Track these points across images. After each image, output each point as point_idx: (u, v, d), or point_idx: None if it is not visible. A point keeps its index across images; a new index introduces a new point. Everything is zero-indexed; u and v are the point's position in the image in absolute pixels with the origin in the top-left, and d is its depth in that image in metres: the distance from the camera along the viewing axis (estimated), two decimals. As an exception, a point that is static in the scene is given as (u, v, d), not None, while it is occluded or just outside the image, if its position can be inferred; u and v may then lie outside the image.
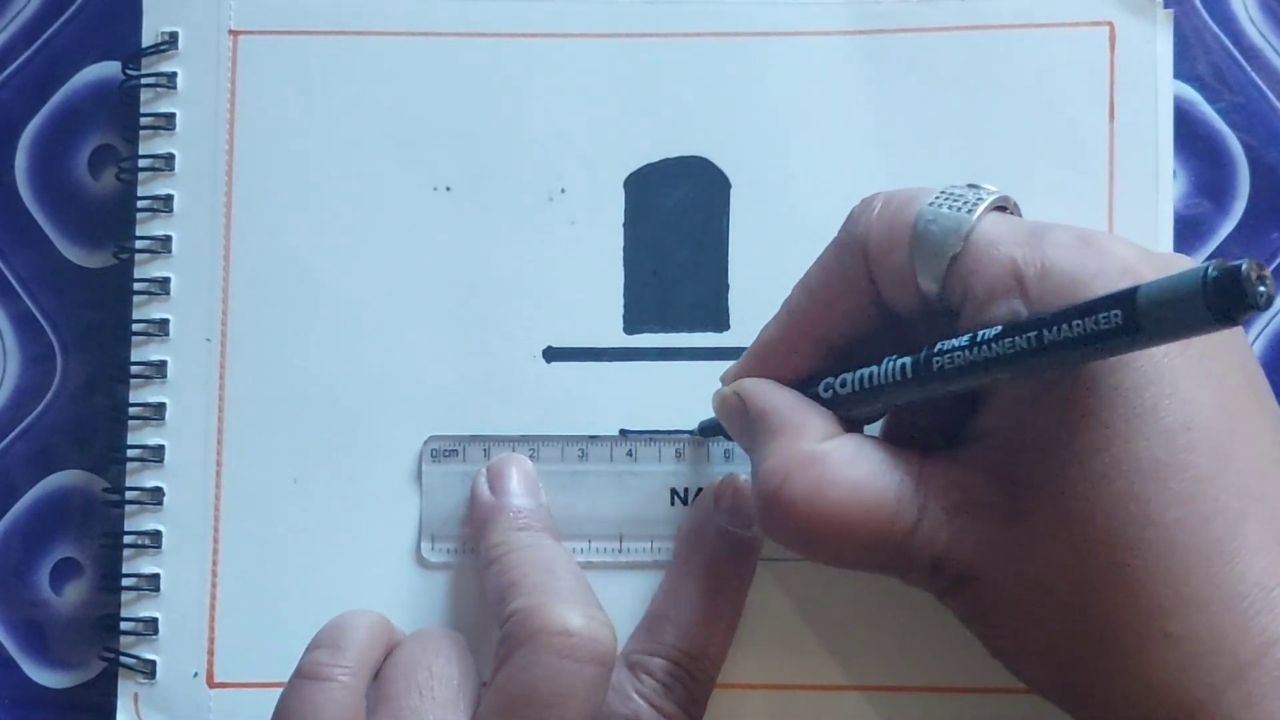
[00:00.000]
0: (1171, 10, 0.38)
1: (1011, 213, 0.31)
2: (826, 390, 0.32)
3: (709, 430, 0.37)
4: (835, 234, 0.32)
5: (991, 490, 0.29)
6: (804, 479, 0.30)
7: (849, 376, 0.31)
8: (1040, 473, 0.28)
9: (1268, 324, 0.39)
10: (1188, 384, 0.27)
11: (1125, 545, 0.27)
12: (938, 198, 0.30)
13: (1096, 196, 0.38)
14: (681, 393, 0.38)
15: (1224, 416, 0.28)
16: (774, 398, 0.32)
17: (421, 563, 0.38)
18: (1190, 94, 0.39)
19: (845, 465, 0.30)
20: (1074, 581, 0.28)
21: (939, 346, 0.29)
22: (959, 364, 0.29)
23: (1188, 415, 0.27)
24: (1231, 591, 0.27)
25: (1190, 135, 0.39)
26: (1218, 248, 0.39)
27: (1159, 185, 0.38)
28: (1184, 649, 0.27)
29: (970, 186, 0.31)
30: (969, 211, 0.30)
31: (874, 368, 0.31)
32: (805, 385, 0.33)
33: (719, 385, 0.35)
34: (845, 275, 0.31)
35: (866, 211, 0.31)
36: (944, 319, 0.30)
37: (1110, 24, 0.38)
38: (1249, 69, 0.39)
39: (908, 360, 0.30)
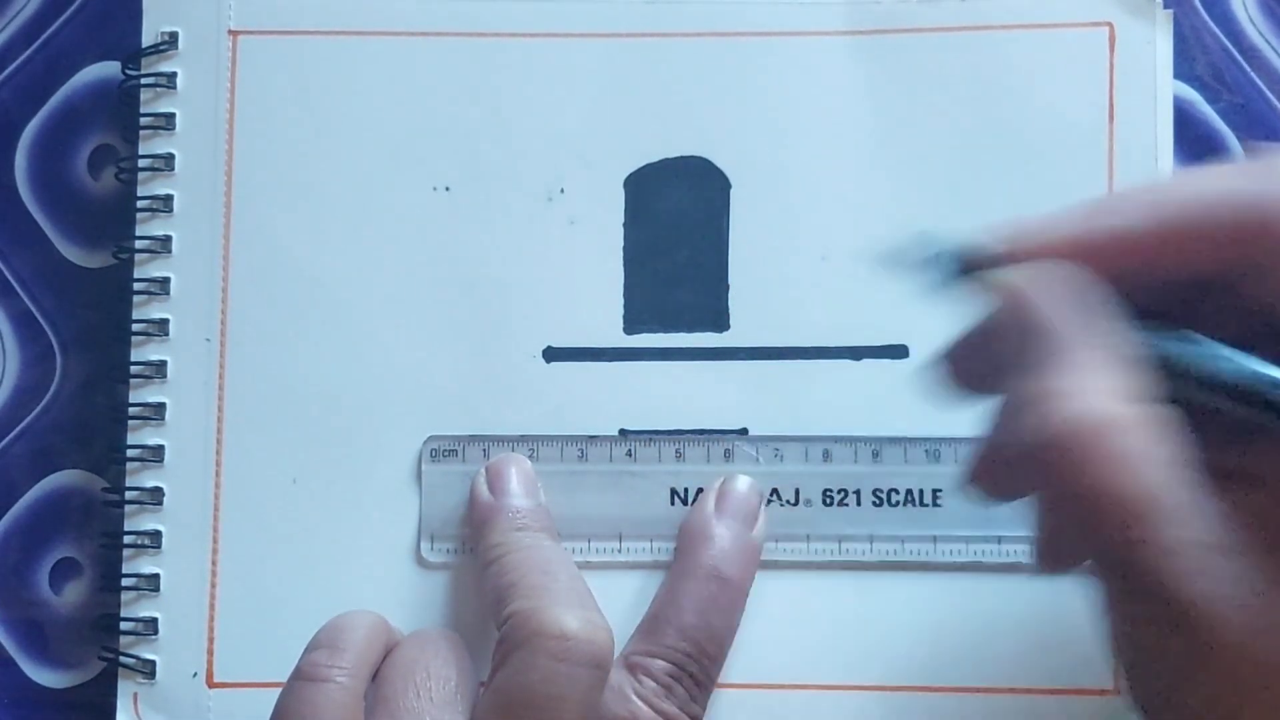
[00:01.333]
0: (1171, 11, 0.38)
1: None
2: (1155, 340, 0.26)
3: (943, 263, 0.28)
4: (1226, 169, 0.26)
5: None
6: (1111, 444, 0.24)
7: (1201, 351, 0.26)
8: None
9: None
10: None
11: None
12: None
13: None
14: (681, 393, 0.38)
15: None
16: (1082, 315, 0.26)
17: (421, 563, 0.38)
18: (1190, 94, 0.39)
19: (1153, 441, 0.24)
20: None
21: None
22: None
23: None
24: None
25: (1190, 135, 0.39)
26: (1217, 248, 0.39)
27: (1159, 185, 0.38)
28: None
29: None
30: None
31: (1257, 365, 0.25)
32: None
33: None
34: (1228, 233, 0.25)
35: None
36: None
37: (1110, 24, 0.38)
38: (1248, 69, 0.39)
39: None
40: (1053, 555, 0.27)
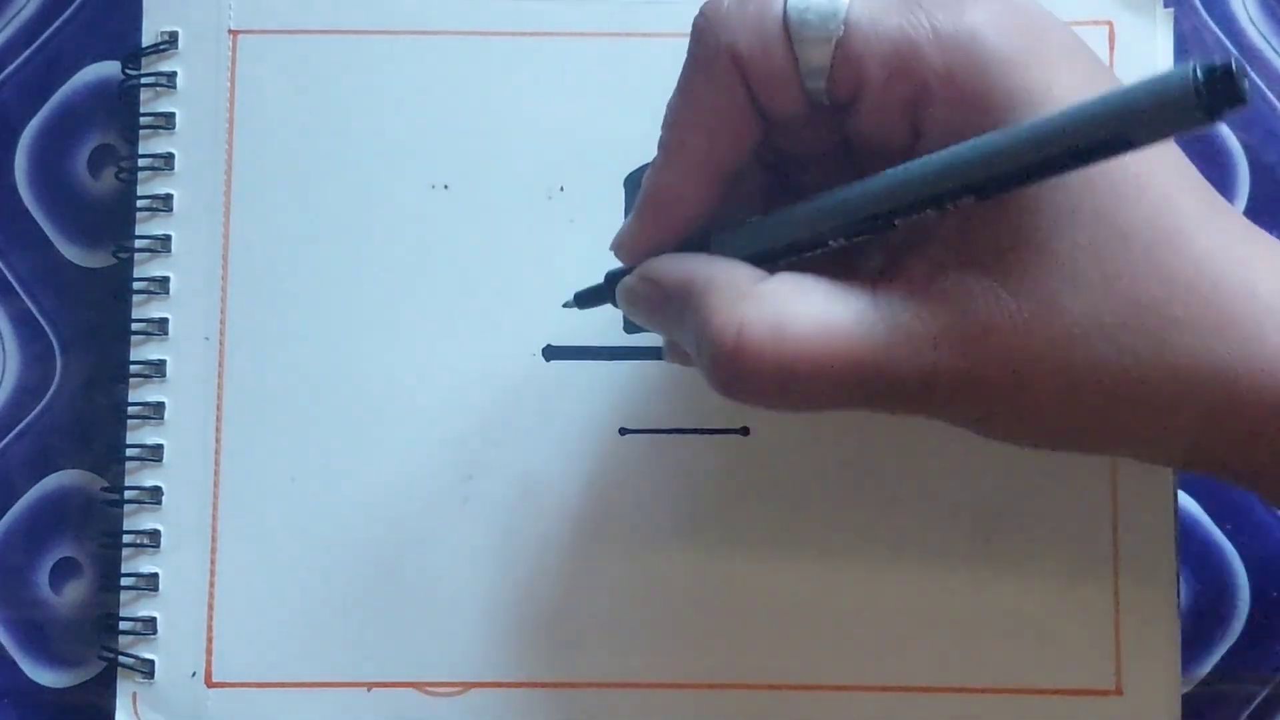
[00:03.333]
0: (1171, 10, 0.38)
1: None
2: (728, 246, 0.30)
3: (587, 299, 0.34)
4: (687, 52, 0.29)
5: (967, 286, 0.27)
6: (761, 321, 0.27)
7: (764, 220, 0.29)
8: (1015, 264, 0.27)
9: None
10: None
11: (1114, 275, 0.27)
12: None
13: (1096, 196, 0.38)
14: (682, 392, 0.38)
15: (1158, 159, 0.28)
16: (688, 264, 0.30)
17: (421, 562, 0.38)
18: (1190, 94, 0.39)
19: (798, 298, 0.28)
20: (1079, 327, 0.27)
21: (890, 174, 0.27)
22: (923, 187, 0.26)
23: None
24: (1204, 258, 0.27)
25: (1189, 135, 0.39)
26: (1218, 247, 0.39)
27: (1159, 185, 0.38)
28: (1190, 327, 0.27)
29: None
30: None
31: (809, 203, 0.29)
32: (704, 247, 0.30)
33: (616, 267, 0.33)
34: (718, 92, 0.29)
35: (724, 15, 0.28)
36: (832, 121, 0.29)
37: (1109, 23, 0.38)
38: (1249, 69, 0.39)
39: (854, 189, 0.28)
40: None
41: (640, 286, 0.31)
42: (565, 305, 0.35)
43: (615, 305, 0.32)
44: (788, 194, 0.30)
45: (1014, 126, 0.25)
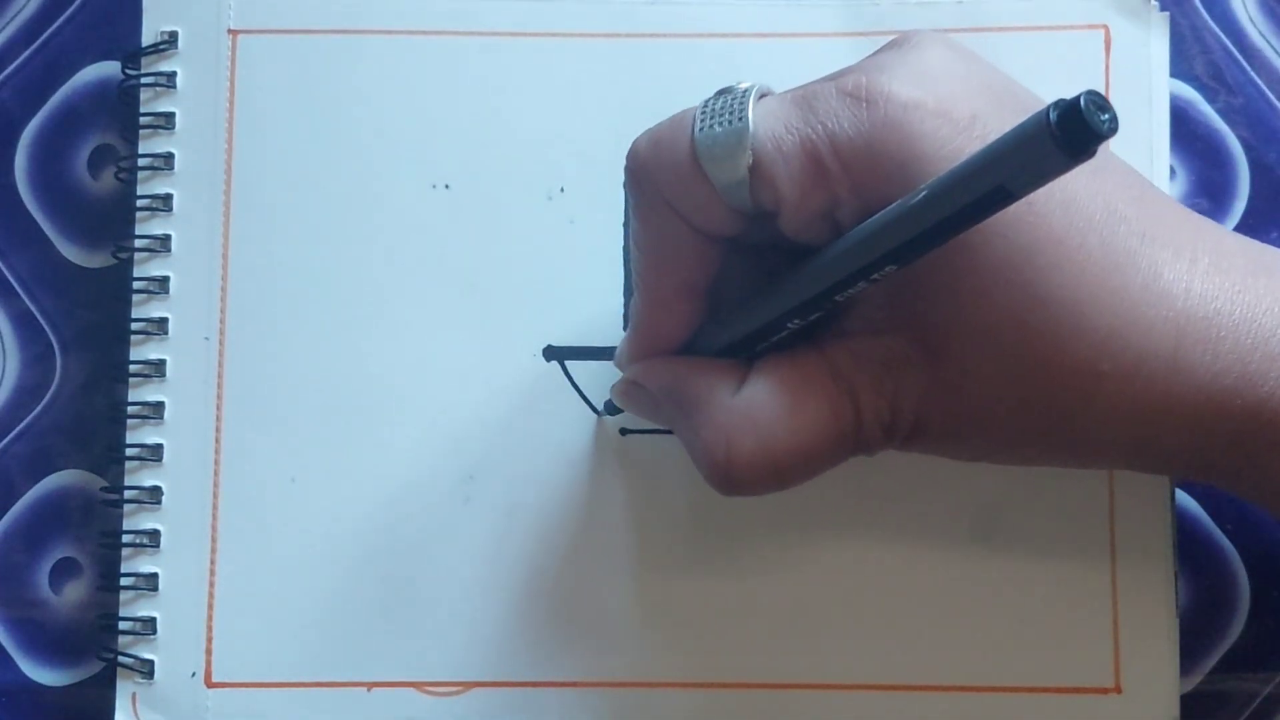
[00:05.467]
0: (1167, 13, 0.38)
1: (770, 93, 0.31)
2: (713, 337, 0.32)
3: (615, 409, 0.37)
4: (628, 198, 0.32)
5: (902, 349, 0.29)
6: (744, 437, 0.30)
7: (735, 314, 0.32)
8: (937, 313, 0.29)
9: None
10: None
11: (1033, 324, 0.28)
12: (703, 118, 0.30)
13: (1096, 197, 0.38)
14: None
15: (1098, 190, 0.29)
16: (672, 369, 0.32)
17: (420, 562, 0.38)
18: (1189, 94, 0.39)
19: (774, 403, 0.30)
20: (1011, 367, 0.29)
21: (820, 259, 0.29)
22: (847, 267, 0.28)
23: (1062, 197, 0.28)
24: (1129, 304, 0.28)
25: (1190, 135, 0.39)
26: (1217, 248, 0.39)
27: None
28: (1113, 383, 0.28)
29: (721, 93, 0.30)
30: (740, 119, 0.29)
31: (762, 300, 0.31)
32: (694, 341, 0.33)
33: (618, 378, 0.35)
34: (661, 229, 0.31)
35: (644, 164, 0.31)
36: (770, 219, 0.30)
37: (1105, 27, 0.38)
38: (1248, 69, 0.39)
39: (790, 282, 0.30)
40: None
41: (631, 390, 0.34)
42: (601, 415, 0.37)
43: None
44: (783, 256, 0.32)
45: (908, 195, 0.26)
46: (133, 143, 0.39)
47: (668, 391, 0.32)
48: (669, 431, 0.37)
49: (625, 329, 0.38)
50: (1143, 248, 0.29)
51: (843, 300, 0.29)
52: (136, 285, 0.38)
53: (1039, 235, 0.28)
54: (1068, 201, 0.28)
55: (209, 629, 0.37)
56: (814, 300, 0.29)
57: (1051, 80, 0.38)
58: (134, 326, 0.38)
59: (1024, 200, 0.25)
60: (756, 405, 0.30)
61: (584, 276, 0.38)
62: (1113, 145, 0.37)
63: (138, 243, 0.38)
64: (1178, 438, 0.29)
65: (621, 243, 0.38)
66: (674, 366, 0.32)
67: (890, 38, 0.37)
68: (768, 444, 0.30)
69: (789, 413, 0.30)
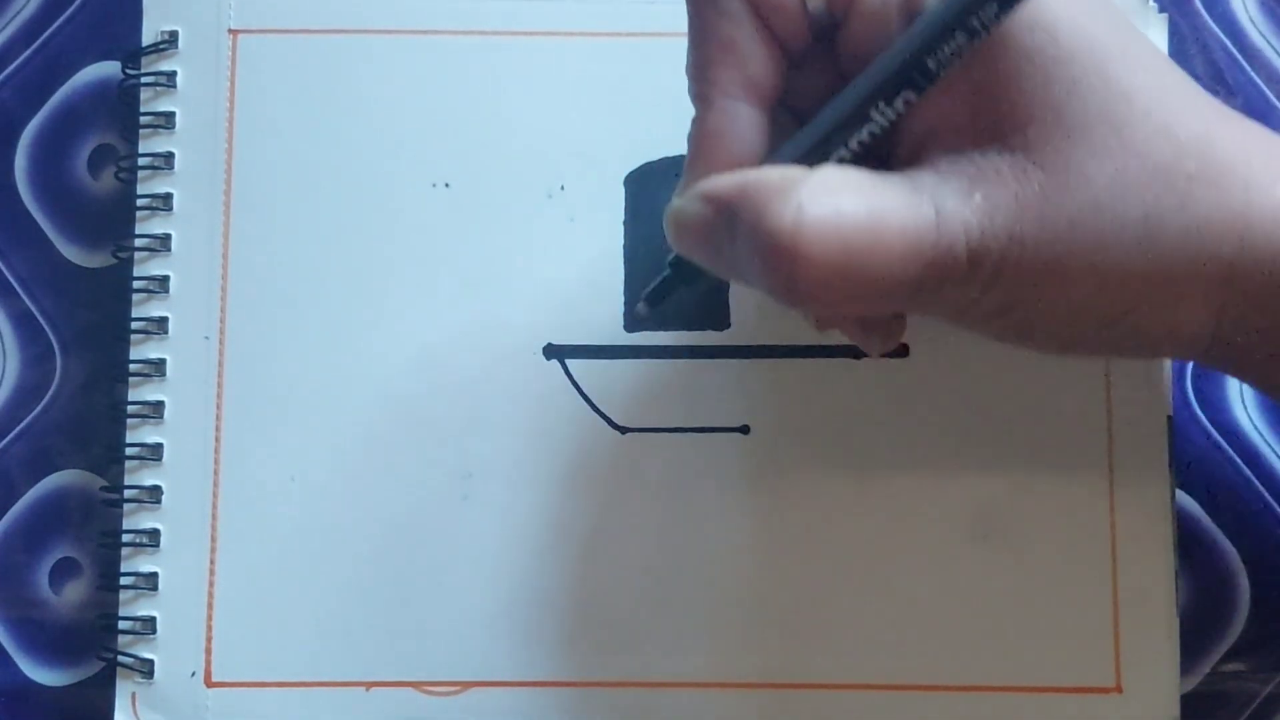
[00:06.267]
0: (1166, 14, 0.38)
1: None
2: (784, 155, 0.30)
3: (657, 294, 0.33)
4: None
5: (991, 164, 0.28)
6: (816, 204, 0.27)
7: (801, 133, 0.30)
8: (1026, 114, 0.28)
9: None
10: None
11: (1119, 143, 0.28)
12: None
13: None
14: (682, 391, 0.38)
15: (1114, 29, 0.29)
16: (738, 176, 0.29)
17: (420, 562, 0.38)
18: (1190, 94, 0.39)
19: (847, 182, 0.28)
20: (1105, 166, 0.28)
21: (887, 59, 0.29)
22: (921, 61, 0.28)
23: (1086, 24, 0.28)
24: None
25: None
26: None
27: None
28: (1201, 188, 0.28)
29: None
30: None
31: (830, 109, 0.29)
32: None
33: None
34: (733, 25, 0.30)
35: None
36: (828, 50, 0.31)
37: (1109, 24, 0.38)
38: (1249, 69, 0.39)
39: (866, 85, 0.29)
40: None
41: (690, 206, 0.29)
42: (638, 314, 0.33)
43: (682, 284, 0.32)
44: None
45: None
46: (133, 142, 0.39)
47: (738, 194, 0.28)
48: (669, 430, 0.37)
49: (626, 328, 0.38)
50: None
51: (934, 67, 0.28)
52: (136, 285, 0.38)
53: (1121, 37, 0.29)
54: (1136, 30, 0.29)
55: (209, 629, 0.37)
56: (906, 68, 0.28)
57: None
58: (134, 326, 0.38)
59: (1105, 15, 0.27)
60: (831, 180, 0.28)
61: (584, 275, 0.38)
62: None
63: (138, 242, 0.39)
64: (1266, 277, 0.28)
65: (621, 241, 0.38)
66: (739, 175, 0.29)
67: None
68: (841, 223, 0.27)
69: (867, 192, 0.28)
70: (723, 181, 0.29)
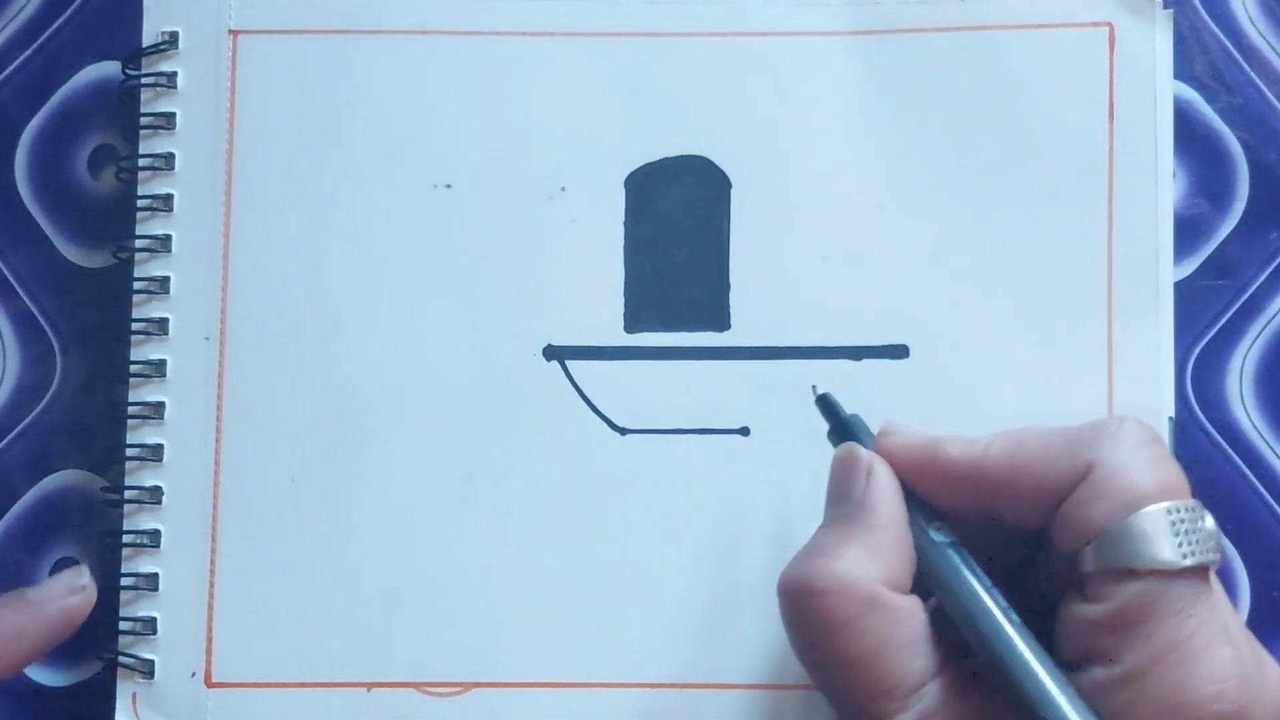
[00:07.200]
0: (1171, 11, 0.38)
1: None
2: (929, 547, 0.31)
3: (832, 418, 0.35)
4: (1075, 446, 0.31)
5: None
6: (842, 609, 0.30)
7: (953, 573, 0.31)
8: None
9: (1267, 324, 0.39)
10: None
11: None
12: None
13: (1096, 197, 0.38)
14: (682, 392, 0.38)
15: None
16: (888, 505, 0.32)
17: (421, 562, 0.38)
18: (1189, 94, 0.39)
19: (881, 620, 0.30)
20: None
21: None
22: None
23: None
24: None
25: (1189, 135, 0.39)
26: (1217, 248, 0.39)
27: (1159, 186, 0.38)
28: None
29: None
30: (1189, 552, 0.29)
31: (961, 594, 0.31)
32: (924, 514, 0.32)
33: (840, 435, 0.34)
34: (1056, 481, 0.30)
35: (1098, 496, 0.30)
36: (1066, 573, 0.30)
37: (1109, 24, 0.38)
38: (1248, 69, 0.39)
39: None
40: None
41: (850, 461, 0.33)
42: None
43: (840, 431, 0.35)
44: None
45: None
46: (133, 143, 0.39)
47: (862, 505, 0.32)
48: (669, 431, 0.37)
49: (625, 329, 0.38)
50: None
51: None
52: (136, 285, 0.38)
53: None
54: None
55: (209, 629, 0.37)
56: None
57: (1056, 79, 0.38)
58: (134, 326, 0.38)
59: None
60: (873, 602, 0.30)
61: (584, 275, 0.38)
62: (1117, 145, 0.38)
63: (138, 243, 0.38)
64: None
65: (622, 242, 0.38)
66: (889, 506, 0.32)
67: (892, 36, 0.38)
68: (834, 631, 0.30)
69: (876, 641, 0.30)
70: (877, 484, 0.32)
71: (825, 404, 0.35)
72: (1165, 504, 0.29)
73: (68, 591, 0.35)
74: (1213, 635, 0.28)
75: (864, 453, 0.33)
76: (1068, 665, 0.29)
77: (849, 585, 0.30)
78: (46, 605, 0.35)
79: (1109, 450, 0.30)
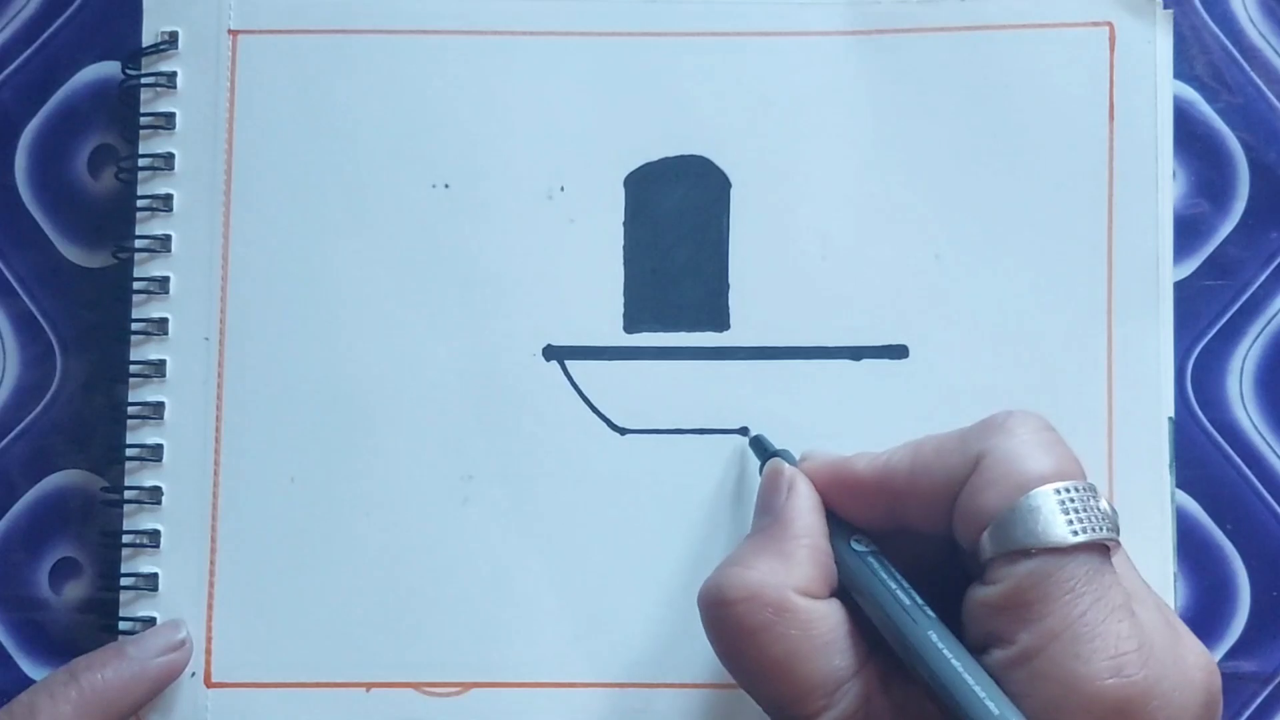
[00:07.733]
0: (1171, 10, 0.38)
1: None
2: (849, 557, 0.32)
3: (763, 455, 0.36)
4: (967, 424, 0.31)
5: None
6: (753, 616, 0.30)
7: (872, 583, 0.31)
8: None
9: (1267, 324, 0.39)
10: None
11: None
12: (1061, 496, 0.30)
13: (1096, 197, 0.38)
14: (682, 392, 0.38)
15: None
16: (804, 517, 0.32)
17: (420, 562, 0.38)
18: (1189, 94, 0.39)
19: (793, 624, 0.30)
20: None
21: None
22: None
23: None
24: None
25: (1189, 135, 0.39)
26: (1217, 248, 0.39)
27: (1159, 186, 0.38)
28: None
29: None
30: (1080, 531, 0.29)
31: (880, 597, 0.31)
32: (845, 531, 0.33)
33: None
34: (950, 476, 0.31)
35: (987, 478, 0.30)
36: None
37: (1110, 24, 0.38)
38: (1248, 69, 0.39)
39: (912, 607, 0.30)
40: None
41: (775, 479, 0.34)
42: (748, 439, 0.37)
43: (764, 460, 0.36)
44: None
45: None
46: (133, 143, 0.39)
47: (781, 517, 0.33)
48: (669, 431, 0.37)
49: (624, 329, 0.38)
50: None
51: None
52: (136, 285, 0.38)
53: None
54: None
55: (209, 629, 0.37)
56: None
57: (1056, 79, 0.38)
58: (134, 326, 0.38)
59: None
60: (790, 611, 0.30)
61: (584, 275, 0.38)
62: (1117, 144, 0.38)
63: (138, 243, 0.39)
64: None
65: (622, 242, 0.38)
66: (808, 518, 0.33)
67: (892, 36, 0.38)
68: (758, 636, 0.30)
69: (794, 645, 0.30)
70: (796, 501, 0.33)
71: (758, 444, 0.37)
72: (1054, 485, 0.29)
73: (168, 648, 0.37)
74: (1109, 611, 0.28)
75: (787, 469, 0.34)
76: (974, 650, 0.29)
77: (758, 593, 0.31)
78: (148, 663, 0.36)
79: (998, 440, 0.30)
